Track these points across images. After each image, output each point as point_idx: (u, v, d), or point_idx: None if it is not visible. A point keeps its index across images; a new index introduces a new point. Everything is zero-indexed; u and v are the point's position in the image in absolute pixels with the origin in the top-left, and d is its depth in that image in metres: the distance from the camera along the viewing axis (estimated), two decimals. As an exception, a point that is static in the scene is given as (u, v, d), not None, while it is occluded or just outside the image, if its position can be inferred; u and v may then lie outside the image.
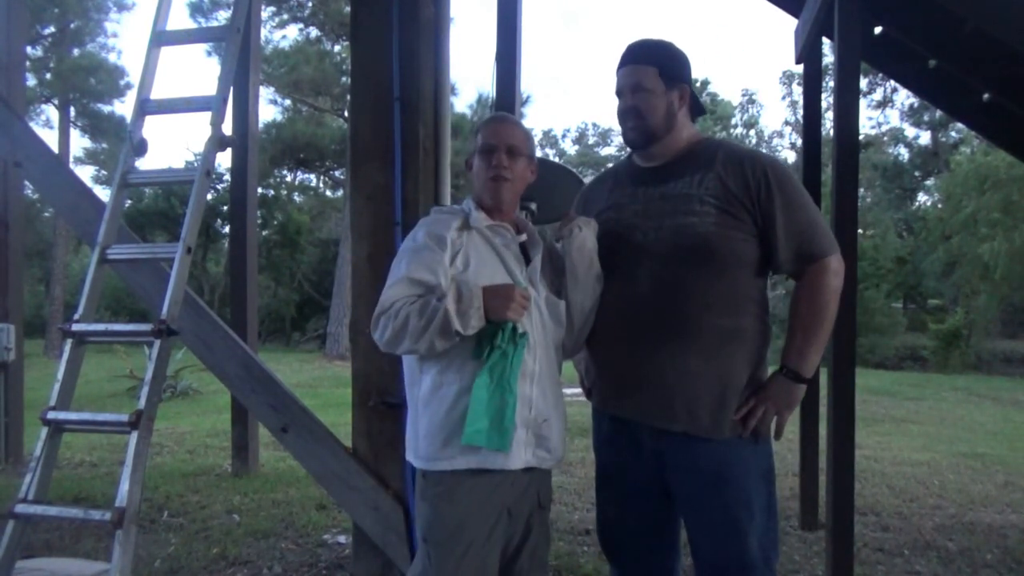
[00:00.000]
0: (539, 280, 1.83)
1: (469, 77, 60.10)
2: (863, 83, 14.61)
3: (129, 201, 15.24)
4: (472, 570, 1.68)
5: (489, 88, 3.08)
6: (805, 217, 1.77)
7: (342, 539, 3.56)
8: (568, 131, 41.97)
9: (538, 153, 1.98)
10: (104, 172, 23.64)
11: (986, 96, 4.08)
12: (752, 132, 32.22)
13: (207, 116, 2.71)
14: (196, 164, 2.75)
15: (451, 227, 1.76)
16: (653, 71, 1.83)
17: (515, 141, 1.83)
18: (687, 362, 1.73)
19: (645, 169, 1.89)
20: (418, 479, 1.78)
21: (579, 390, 2.08)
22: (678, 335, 1.74)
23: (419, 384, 1.75)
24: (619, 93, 1.88)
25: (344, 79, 17.69)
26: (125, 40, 28.40)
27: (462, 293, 1.64)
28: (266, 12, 17.42)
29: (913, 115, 28.05)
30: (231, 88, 3.00)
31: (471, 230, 1.79)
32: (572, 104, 66.25)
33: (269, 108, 23.80)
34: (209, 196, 5.31)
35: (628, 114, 1.86)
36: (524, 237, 1.87)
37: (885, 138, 30.11)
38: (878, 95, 27.92)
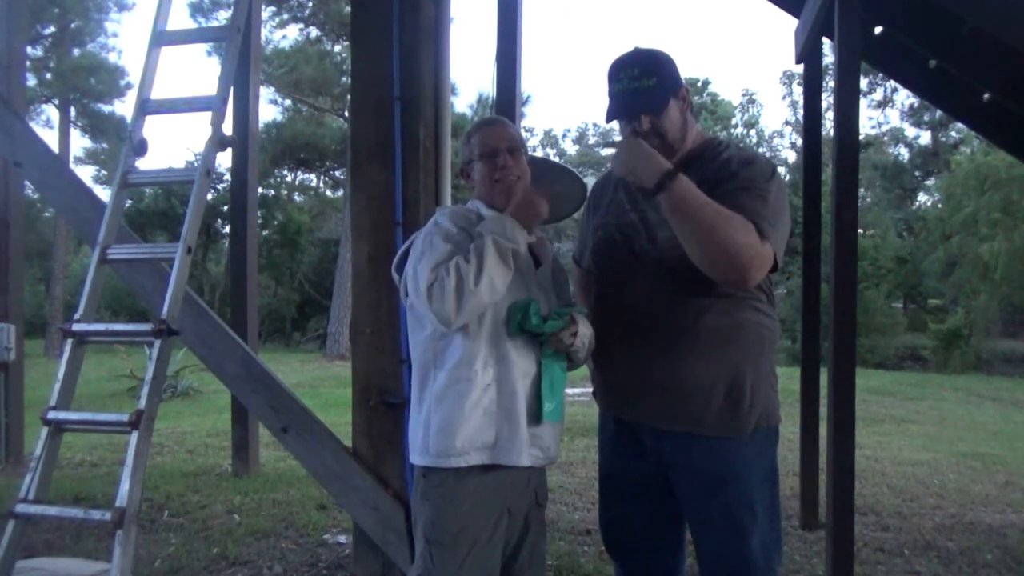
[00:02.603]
0: (548, 285, 1.86)
1: (469, 77, 60.18)
2: (863, 83, 14.62)
3: (129, 201, 15.17)
4: (475, 570, 1.68)
5: (489, 88, 3.08)
6: (753, 202, 1.65)
7: (342, 539, 3.56)
8: (568, 131, 41.99)
9: (539, 153, 1.99)
10: (104, 172, 23.67)
11: (986, 96, 4.08)
12: (752, 132, 32.23)
13: (207, 116, 2.71)
14: (196, 164, 2.75)
15: (467, 222, 1.79)
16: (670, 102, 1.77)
17: (512, 141, 1.85)
18: (687, 365, 1.72)
19: None
20: (418, 479, 1.78)
21: (581, 390, 2.08)
22: (677, 340, 1.73)
23: (432, 380, 1.74)
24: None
25: (344, 79, 17.70)
26: (125, 40, 28.51)
27: (493, 225, 1.69)
28: (266, 12, 17.44)
29: (913, 115, 28.05)
30: (231, 88, 3.00)
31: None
32: (572, 104, 66.28)
33: (269, 108, 23.88)
34: (209, 196, 5.30)
35: (646, 136, 1.79)
36: (533, 239, 1.87)
37: (885, 138, 30.12)
38: (878, 95, 27.94)
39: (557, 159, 27.77)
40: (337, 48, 18.73)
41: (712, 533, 1.78)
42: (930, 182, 28.78)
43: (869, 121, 29.44)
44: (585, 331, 1.77)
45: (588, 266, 1.99)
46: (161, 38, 2.89)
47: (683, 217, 1.60)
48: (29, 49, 16.18)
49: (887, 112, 32.00)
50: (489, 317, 1.70)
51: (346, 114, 18.08)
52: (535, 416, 1.73)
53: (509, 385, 1.70)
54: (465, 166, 1.90)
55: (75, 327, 2.50)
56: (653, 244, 1.77)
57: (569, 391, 1.84)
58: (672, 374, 1.74)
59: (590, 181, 2.12)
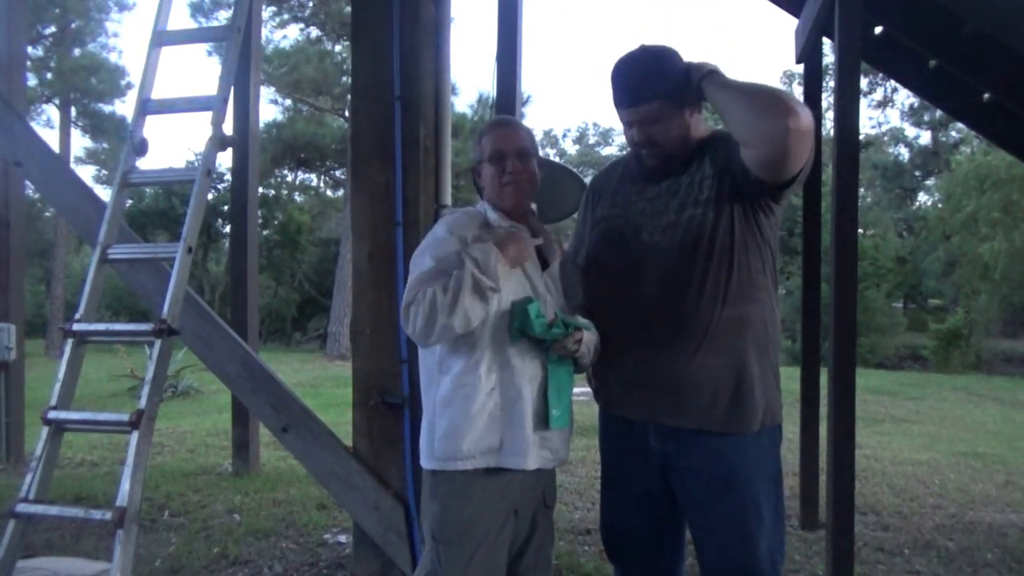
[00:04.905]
0: (556, 286, 1.85)
1: (469, 77, 60.21)
2: (863, 83, 14.61)
3: (130, 201, 15.21)
4: (482, 569, 1.69)
5: (489, 88, 3.08)
6: None
7: (343, 538, 3.56)
8: (568, 131, 42.08)
9: (539, 153, 1.99)
10: (105, 172, 23.69)
11: (986, 96, 4.08)
12: (752, 132, 32.19)
13: (208, 116, 2.71)
14: (197, 164, 2.75)
15: (472, 226, 1.78)
16: (659, 104, 1.73)
17: (523, 144, 1.84)
18: (697, 358, 1.71)
19: (653, 166, 1.84)
20: (426, 478, 1.79)
21: (581, 390, 2.08)
22: (686, 332, 1.72)
23: (437, 385, 1.75)
24: (627, 124, 1.80)
25: (345, 79, 17.69)
26: (126, 40, 28.67)
27: (476, 255, 1.66)
28: (267, 12, 17.44)
29: (913, 115, 28.06)
30: (232, 88, 3.00)
31: (491, 230, 1.80)
32: (572, 104, 66.37)
33: (270, 108, 23.89)
34: (210, 196, 5.30)
35: (644, 145, 1.78)
36: (540, 240, 1.87)
37: (885, 138, 30.13)
38: (878, 95, 27.94)
39: (557, 159, 27.84)
40: (338, 48, 18.73)
41: (718, 536, 1.76)
42: (930, 182, 28.79)
43: (869, 121, 29.52)
44: (590, 337, 1.77)
45: (588, 261, 1.95)
46: (161, 38, 2.89)
47: (730, 89, 1.67)
48: (30, 49, 16.19)
49: (887, 112, 32.07)
50: (492, 323, 1.70)
51: (346, 114, 18.07)
52: (543, 420, 1.73)
53: (513, 389, 1.71)
54: (476, 166, 1.90)
55: (75, 327, 2.50)
56: (665, 235, 1.76)
57: (573, 390, 1.84)
58: (682, 368, 1.72)
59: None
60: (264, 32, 15.86)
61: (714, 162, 1.74)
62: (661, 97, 1.72)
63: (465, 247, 1.71)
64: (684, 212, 1.74)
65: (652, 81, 1.73)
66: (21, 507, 2.30)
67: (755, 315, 1.74)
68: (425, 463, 1.77)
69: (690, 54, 1.79)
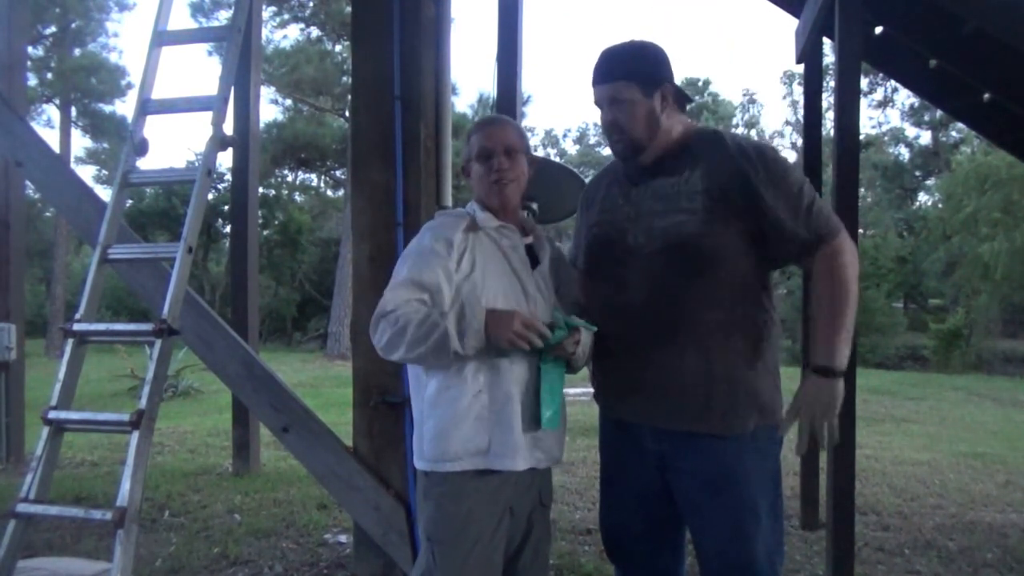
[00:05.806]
0: (547, 285, 1.84)
1: (469, 77, 60.25)
2: (863, 83, 14.60)
3: (130, 201, 15.25)
4: (478, 568, 1.68)
5: (490, 88, 3.08)
6: (799, 195, 1.71)
7: (343, 538, 3.56)
8: (569, 131, 42.07)
9: (540, 153, 1.98)
10: (105, 172, 23.69)
11: (986, 96, 4.08)
12: (753, 132, 32.25)
13: (208, 116, 2.71)
14: (197, 164, 2.75)
15: (458, 229, 1.75)
16: (625, 84, 1.76)
17: (511, 141, 1.82)
18: (686, 361, 1.71)
19: (638, 166, 1.84)
20: (420, 479, 1.79)
21: (581, 390, 2.08)
22: (674, 335, 1.72)
23: (425, 387, 1.75)
24: (598, 105, 1.84)
25: (345, 79, 17.71)
26: (126, 40, 28.68)
27: (464, 313, 1.63)
28: (267, 12, 17.45)
29: (913, 115, 28.02)
30: (232, 88, 3.00)
31: (478, 231, 1.78)
32: (572, 104, 66.28)
33: (270, 108, 23.90)
34: (210, 196, 5.30)
35: (611, 128, 1.82)
36: (530, 239, 1.87)
37: (886, 138, 30.09)
38: (878, 95, 27.90)
39: (558, 159, 27.85)
40: (338, 48, 18.74)
41: (715, 536, 1.76)
42: (930, 182, 28.75)
43: (869, 121, 29.46)
44: (585, 339, 1.77)
45: (584, 266, 1.96)
46: (162, 38, 2.89)
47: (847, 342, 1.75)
48: (30, 49, 16.19)
49: (887, 112, 32.06)
50: None
51: (347, 114, 18.08)
52: (535, 421, 1.72)
53: (502, 390, 1.70)
54: (465, 164, 1.89)
55: (76, 327, 2.50)
56: (649, 237, 1.75)
57: (569, 391, 1.83)
58: (673, 371, 1.72)
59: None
60: (264, 32, 15.85)
61: (708, 177, 1.72)
62: (627, 79, 1.76)
63: (459, 295, 1.69)
64: (670, 216, 1.73)
65: (623, 63, 1.79)
66: (21, 507, 2.30)
67: (749, 316, 1.74)
68: (417, 464, 1.77)
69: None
